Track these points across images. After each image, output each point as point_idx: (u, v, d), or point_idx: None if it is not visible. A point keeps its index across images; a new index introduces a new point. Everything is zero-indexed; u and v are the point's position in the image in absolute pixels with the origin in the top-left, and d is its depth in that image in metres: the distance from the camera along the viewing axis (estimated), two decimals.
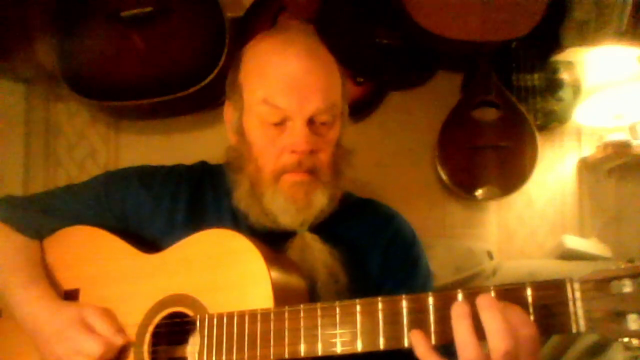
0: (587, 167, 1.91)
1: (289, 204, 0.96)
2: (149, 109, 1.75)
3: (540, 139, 1.77)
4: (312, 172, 0.96)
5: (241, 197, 1.00)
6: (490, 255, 1.78)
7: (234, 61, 1.06)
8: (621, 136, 1.77)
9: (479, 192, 1.77)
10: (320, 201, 0.97)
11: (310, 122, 0.95)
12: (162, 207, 1.05)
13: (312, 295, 0.92)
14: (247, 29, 1.76)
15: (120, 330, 0.91)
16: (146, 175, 1.09)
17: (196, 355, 0.84)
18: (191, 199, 1.06)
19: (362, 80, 1.79)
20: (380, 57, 1.78)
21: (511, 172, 1.77)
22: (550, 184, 1.91)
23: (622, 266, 0.66)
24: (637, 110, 1.76)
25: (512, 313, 0.66)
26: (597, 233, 1.87)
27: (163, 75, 1.68)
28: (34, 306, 0.95)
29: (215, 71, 1.63)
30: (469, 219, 1.89)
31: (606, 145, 1.78)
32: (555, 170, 1.91)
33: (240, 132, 1.01)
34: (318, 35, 1.73)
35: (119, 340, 0.89)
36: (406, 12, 1.66)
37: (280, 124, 0.96)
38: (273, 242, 0.95)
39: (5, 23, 1.68)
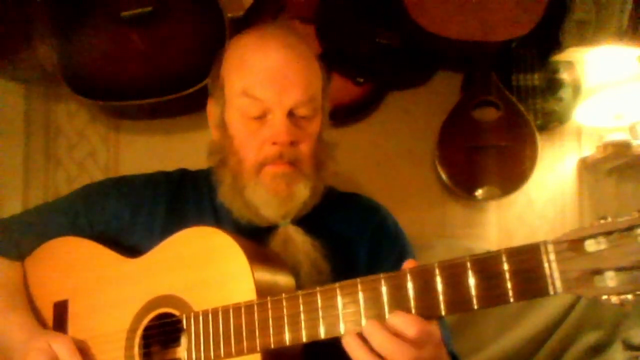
0: (587, 167, 1.90)
1: (270, 195, 0.96)
2: (149, 109, 1.75)
3: (540, 139, 1.77)
4: (294, 164, 0.97)
5: (225, 193, 1.01)
6: None
7: (216, 58, 1.07)
8: (621, 136, 1.76)
9: (479, 192, 1.77)
10: (302, 193, 0.97)
11: (290, 114, 0.96)
12: (142, 214, 1.05)
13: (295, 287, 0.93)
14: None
15: None
16: (123, 185, 1.10)
17: (185, 354, 0.85)
18: (170, 203, 1.06)
19: (362, 80, 1.78)
20: (380, 57, 1.78)
21: (511, 172, 1.76)
22: (550, 184, 1.91)
23: (595, 224, 0.65)
24: (637, 110, 1.75)
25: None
26: None
27: (163, 75, 1.68)
28: (9, 335, 0.94)
29: None
30: (469, 219, 1.89)
31: (606, 145, 1.78)
32: (555, 170, 1.91)
33: (223, 126, 1.02)
34: (318, 35, 1.73)
35: None
36: (406, 12, 1.66)
37: (261, 117, 0.97)
38: (257, 237, 0.96)
39: (5, 23, 1.68)
